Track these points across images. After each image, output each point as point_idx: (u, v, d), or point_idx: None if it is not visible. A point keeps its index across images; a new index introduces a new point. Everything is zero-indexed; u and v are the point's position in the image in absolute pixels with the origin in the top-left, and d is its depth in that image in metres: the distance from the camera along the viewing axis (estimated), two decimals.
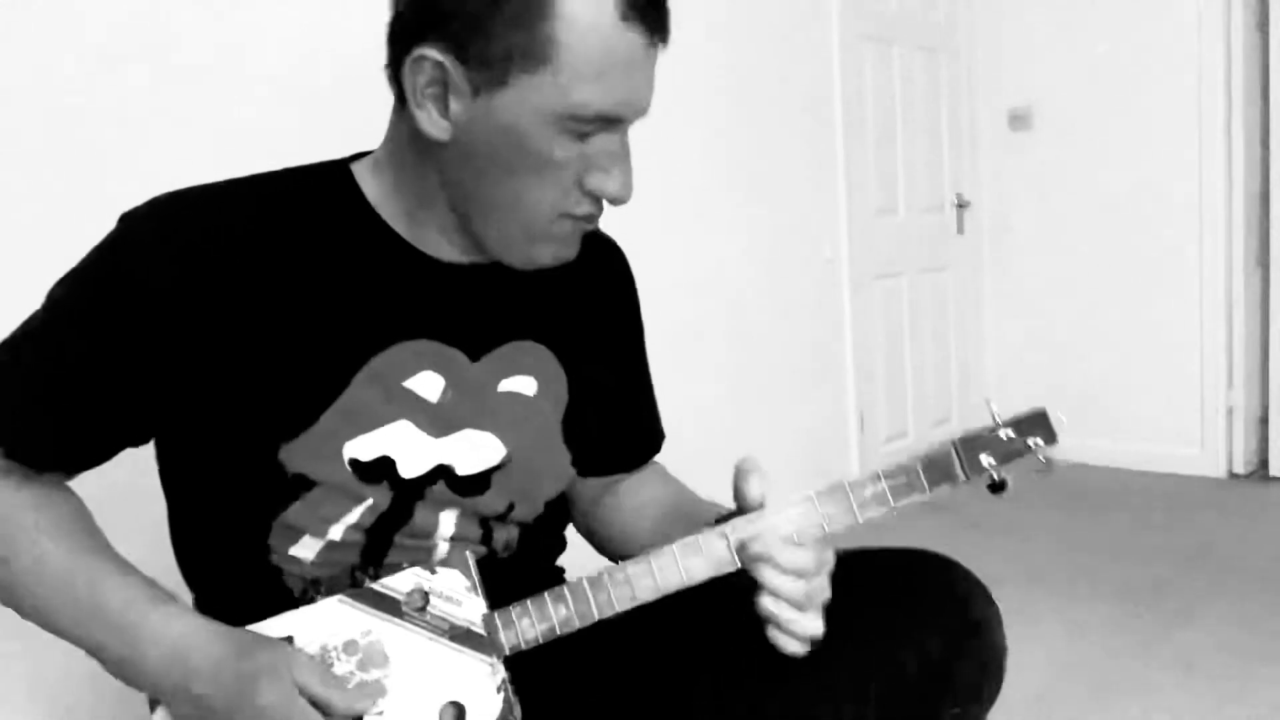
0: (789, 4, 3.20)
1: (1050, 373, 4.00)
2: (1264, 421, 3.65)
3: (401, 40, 0.81)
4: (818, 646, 0.85)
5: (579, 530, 1.12)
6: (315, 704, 0.78)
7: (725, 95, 2.99)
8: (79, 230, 1.65)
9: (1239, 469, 3.67)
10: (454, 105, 0.80)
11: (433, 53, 0.78)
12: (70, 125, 1.67)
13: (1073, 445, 3.89)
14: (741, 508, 0.87)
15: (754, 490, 0.86)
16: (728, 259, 3.02)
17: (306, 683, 0.77)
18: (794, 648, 0.84)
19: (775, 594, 0.83)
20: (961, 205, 4.00)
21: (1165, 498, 3.47)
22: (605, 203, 0.86)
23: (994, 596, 0.93)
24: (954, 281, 4.02)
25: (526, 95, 0.78)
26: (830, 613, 0.86)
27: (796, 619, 0.83)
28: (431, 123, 0.81)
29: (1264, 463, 3.64)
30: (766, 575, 0.83)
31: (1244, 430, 3.66)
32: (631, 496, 1.08)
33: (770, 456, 3.62)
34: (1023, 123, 3.95)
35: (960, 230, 4.02)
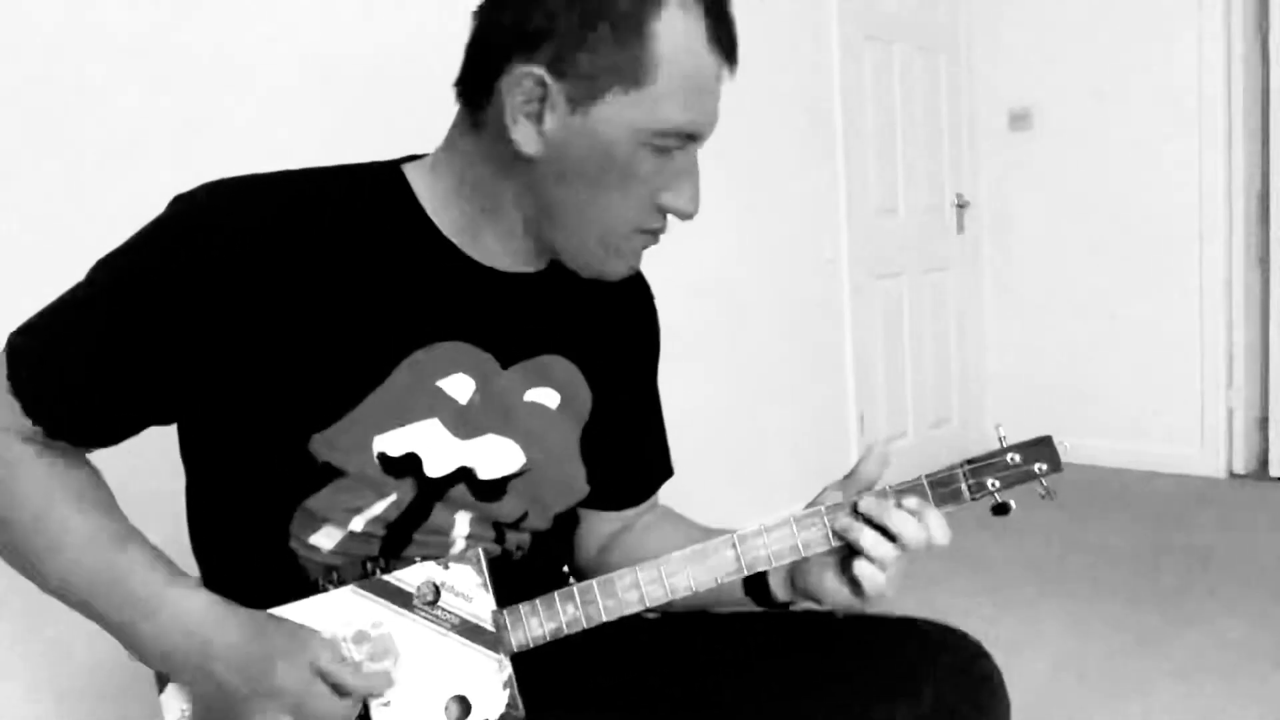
0: (789, 3, 3.20)
1: (1050, 372, 4.01)
2: (1264, 421, 3.65)
3: (491, 58, 0.84)
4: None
5: (587, 578, 1.12)
6: (330, 684, 0.79)
7: (725, 95, 2.99)
8: (80, 231, 1.66)
9: (1239, 469, 3.67)
10: (549, 120, 0.83)
11: (533, 69, 0.81)
12: (71, 127, 1.67)
13: (1073, 445, 3.87)
14: (855, 480, 0.92)
15: (868, 469, 0.91)
16: (728, 259, 3.02)
17: (326, 665, 0.79)
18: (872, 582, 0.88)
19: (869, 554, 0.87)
20: (961, 205, 4.00)
21: (1165, 498, 3.47)
22: (670, 219, 0.90)
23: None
24: (954, 281, 4.02)
25: (622, 110, 0.82)
26: (832, 673, 0.90)
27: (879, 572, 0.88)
28: (526, 139, 0.83)
29: (1264, 463, 3.65)
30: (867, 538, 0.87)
31: (1244, 430, 3.66)
32: (647, 538, 1.09)
33: (770, 456, 3.63)
34: (1023, 123, 3.96)
35: (960, 230, 4.02)
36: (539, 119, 0.83)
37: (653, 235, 0.91)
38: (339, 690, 0.80)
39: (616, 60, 0.80)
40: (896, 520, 0.86)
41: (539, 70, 0.80)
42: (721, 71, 0.86)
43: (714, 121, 0.87)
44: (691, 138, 0.86)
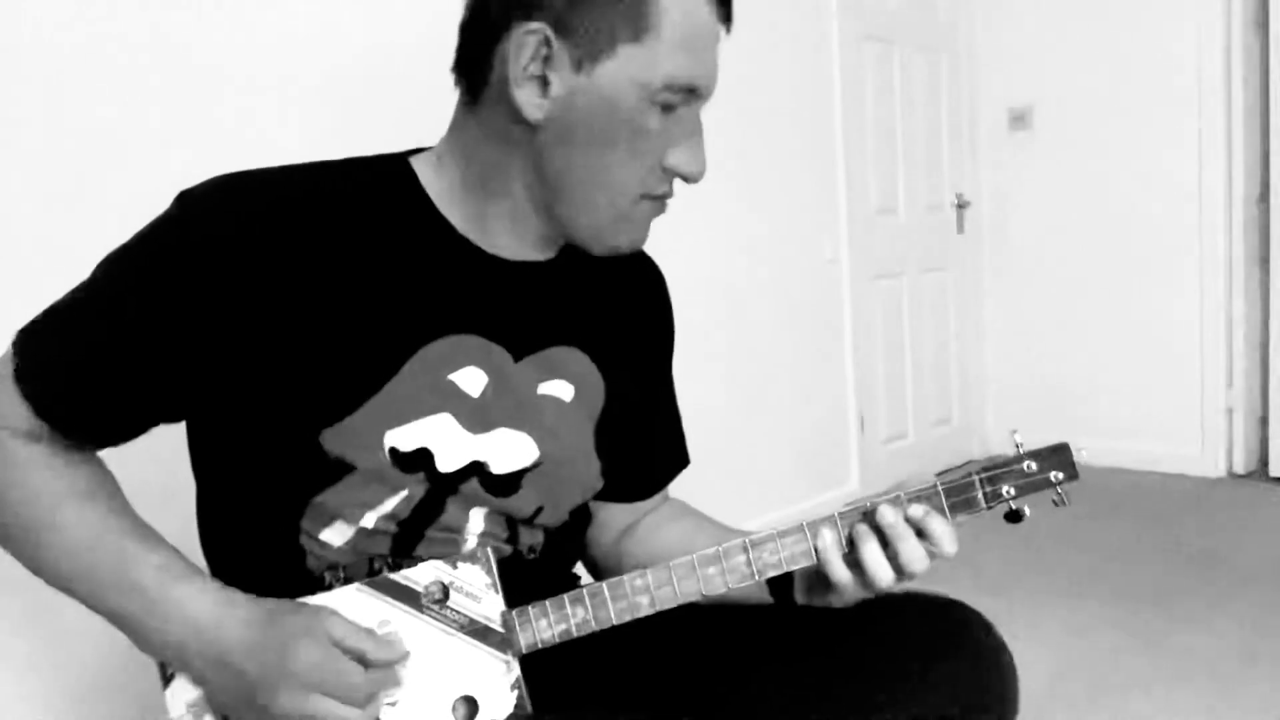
0: (789, 4, 3.20)
1: (1050, 373, 4.01)
2: (1264, 421, 3.65)
3: (492, 27, 0.83)
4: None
5: (602, 571, 1.11)
6: (351, 655, 0.79)
7: (725, 95, 2.97)
8: (79, 232, 1.66)
9: (1239, 469, 3.67)
10: (554, 81, 0.82)
11: (537, 26, 0.80)
12: (74, 127, 1.67)
13: (1073, 445, 3.88)
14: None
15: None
16: (728, 259, 3.02)
17: (343, 636, 0.78)
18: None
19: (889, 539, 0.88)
20: (961, 205, 4.00)
21: (1165, 498, 3.47)
22: (675, 185, 0.90)
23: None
24: (954, 281, 4.03)
25: (628, 65, 0.82)
26: (851, 654, 0.90)
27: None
28: (531, 102, 0.83)
29: (1264, 463, 3.65)
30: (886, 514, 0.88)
31: (1244, 430, 3.66)
32: (662, 533, 1.08)
33: (770, 457, 3.62)
34: (1023, 123, 3.96)
35: (960, 230, 4.03)
36: (543, 81, 0.82)
37: (659, 202, 0.90)
38: (360, 662, 0.79)
39: (618, 14, 0.80)
40: (906, 552, 0.87)
41: (543, 27, 0.80)
42: (720, 29, 0.86)
43: (715, 77, 0.88)
44: (694, 92, 0.86)
